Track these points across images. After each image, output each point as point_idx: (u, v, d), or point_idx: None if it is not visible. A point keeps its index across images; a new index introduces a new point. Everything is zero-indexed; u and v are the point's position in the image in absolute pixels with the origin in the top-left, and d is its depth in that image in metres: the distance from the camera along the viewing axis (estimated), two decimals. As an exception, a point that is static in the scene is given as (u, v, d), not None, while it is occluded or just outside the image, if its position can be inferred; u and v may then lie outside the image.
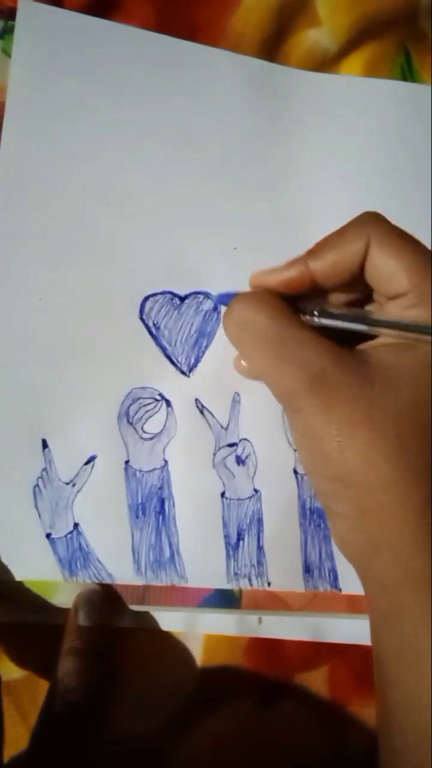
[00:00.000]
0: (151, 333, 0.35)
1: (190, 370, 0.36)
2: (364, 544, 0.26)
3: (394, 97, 0.38)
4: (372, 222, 0.28)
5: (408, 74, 0.39)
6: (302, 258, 0.29)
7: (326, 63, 0.38)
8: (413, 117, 0.38)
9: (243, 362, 0.32)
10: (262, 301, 0.28)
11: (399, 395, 0.25)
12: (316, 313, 0.28)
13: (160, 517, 0.35)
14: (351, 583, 0.36)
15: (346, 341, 0.28)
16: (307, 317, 0.28)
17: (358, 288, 0.29)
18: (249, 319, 0.27)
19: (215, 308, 0.36)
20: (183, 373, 0.35)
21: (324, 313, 0.28)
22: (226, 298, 0.31)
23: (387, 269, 0.27)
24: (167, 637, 0.36)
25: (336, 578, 0.36)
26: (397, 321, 0.26)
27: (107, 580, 0.35)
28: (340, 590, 0.36)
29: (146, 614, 0.36)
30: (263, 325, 0.27)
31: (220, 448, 0.35)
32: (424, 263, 0.26)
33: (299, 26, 0.38)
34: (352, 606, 0.36)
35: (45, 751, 0.31)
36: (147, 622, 0.36)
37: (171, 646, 0.36)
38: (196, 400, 0.35)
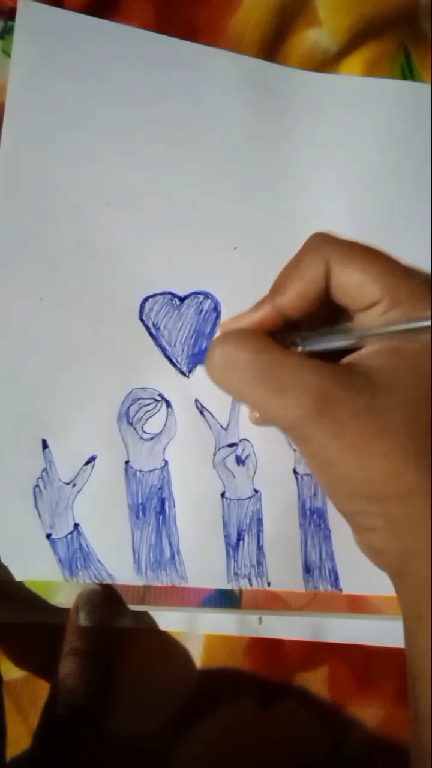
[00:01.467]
0: (150, 333, 0.35)
1: (190, 371, 0.36)
2: (398, 553, 0.26)
3: (394, 96, 0.38)
4: (325, 242, 0.28)
5: (408, 74, 0.39)
6: (267, 297, 0.28)
7: (326, 63, 0.38)
8: (413, 116, 0.37)
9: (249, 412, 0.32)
10: (242, 336, 0.27)
11: (403, 398, 0.25)
12: (298, 341, 0.27)
13: (161, 517, 0.35)
14: (351, 583, 0.36)
15: (330, 360, 0.27)
16: (291, 348, 0.28)
17: (327, 311, 0.29)
18: (232, 356, 0.27)
19: (215, 308, 0.36)
20: (183, 373, 0.35)
21: (307, 339, 0.27)
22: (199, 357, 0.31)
23: (353, 284, 0.27)
24: (167, 637, 0.36)
25: (336, 578, 0.36)
26: (386, 326, 0.26)
27: (107, 581, 0.35)
28: (340, 590, 0.36)
29: (146, 614, 0.36)
30: (249, 360, 0.26)
31: (220, 449, 0.35)
32: (389, 268, 0.26)
33: (299, 26, 0.38)
34: (353, 606, 0.36)
35: (47, 752, 0.31)
36: (147, 623, 0.36)
37: (171, 646, 0.36)
38: (196, 400, 0.35)
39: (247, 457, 0.35)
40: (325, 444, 0.25)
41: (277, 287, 0.29)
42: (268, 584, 0.35)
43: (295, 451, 0.36)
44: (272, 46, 0.38)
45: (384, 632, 0.36)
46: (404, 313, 0.26)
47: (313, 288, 0.27)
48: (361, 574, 0.36)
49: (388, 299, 0.26)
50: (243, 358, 0.26)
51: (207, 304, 0.36)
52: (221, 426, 0.35)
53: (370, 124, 0.38)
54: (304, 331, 0.28)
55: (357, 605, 0.36)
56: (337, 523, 0.36)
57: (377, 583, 0.35)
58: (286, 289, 0.28)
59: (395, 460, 0.25)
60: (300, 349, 0.27)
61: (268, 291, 0.29)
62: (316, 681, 0.37)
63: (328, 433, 0.25)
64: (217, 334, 0.30)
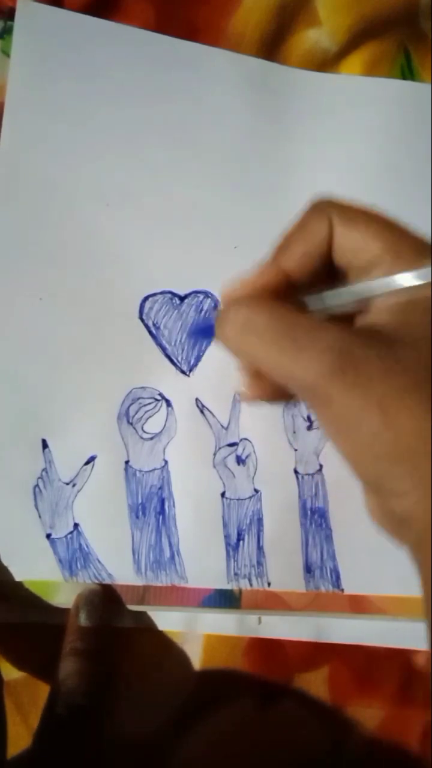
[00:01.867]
0: (150, 333, 0.35)
1: (190, 370, 0.35)
2: (427, 516, 0.26)
3: (394, 96, 0.38)
4: (330, 204, 0.28)
5: (408, 74, 0.39)
6: (271, 260, 0.28)
7: (326, 63, 0.38)
8: (413, 116, 0.37)
9: (247, 383, 0.31)
10: (256, 300, 0.27)
11: (424, 353, 0.25)
12: (306, 302, 0.27)
13: (160, 517, 0.35)
14: (353, 583, 0.36)
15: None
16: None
17: (327, 277, 0.29)
18: (249, 319, 0.27)
19: (215, 307, 0.36)
20: (183, 372, 0.35)
21: (314, 300, 0.27)
22: (203, 330, 0.32)
23: (356, 243, 0.27)
24: (167, 637, 0.36)
25: (338, 578, 0.36)
26: (392, 279, 0.26)
27: (107, 581, 0.35)
28: (342, 590, 0.36)
29: (146, 614, 0.36)
30: (267, 321, 0.26)
31: (220, 448, 0.35)
32: (389, 226, 0.27)
33: (299, 26, 0.38)
34: (355, 606, 0.36)
35: (47, 752, 0.31)
36: (147, 623, 0.36)
37: (171, 646, 0.36)
38: (197, 399, 0.35)
39: (247, 457, 0.35)
40: (348, 404, 0.24)
41: (281, 249, 0.28)
42: (269, 584, 0.35)
43: (296, 450, 0.36)
44: (272, 46, 0.38)
45: (386, 633, 0.36)
46: (408, 267, 0.26)
47: (317, 248, 0.27)
48: (364, 574, 0.36)
49: (390, 256, 0.26)
50: (260, 320, 0.26)
51: (207, 304, 0.36)
52: (222, 425, 0.35)
53: (370, 124, 0.38)
54: (311, 294, 0.28)
55: (359, 606, 0.36)
56: (339, 523, 0.36)
57: (379, 583, 0.35)
58: (290, 250, 0.28)
59: (423, 416, 0.24)
60: (313, 309, 0.27)
61: (271, 254, 0.29)
62: (316, 681, 0.37)
63: (351, 391, 0.24)
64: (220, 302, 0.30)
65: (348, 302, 0.27)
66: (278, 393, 0.30)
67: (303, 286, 0.29)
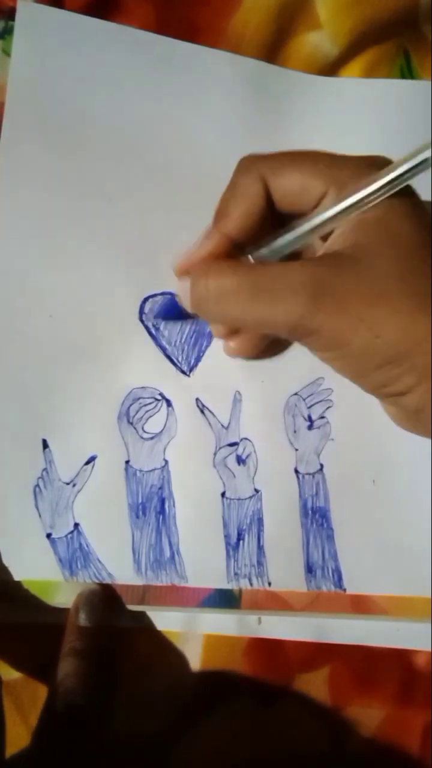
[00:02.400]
0: (150, 333, 0.35)
1: (191, 370, 0.36)
2: None
3: (393, 95, 0.38)
4: (255, 160, 0.28)
5: (408, 76, 0.39)
6: (212, 228, 0.29)
7: (326, 66, 0.38)
8: (413, 115, 0.38)
9: (233, 342, 0.32)
10: (218, 265, 0.28)
11: (386, 260, 0.26)
12: (261, 253, 0.28)
13: (161, 516, 0.35)
14: (356, 583, 0.36)
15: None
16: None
17: (271, 228, 0.29)
18: (220, 285, 0.27)
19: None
20: (183, 372, 0.35)
21: (267, 248, 0.28)
22: (167, 308, 0.33)
23: (296, 186, 0.27)
24: (167, 637, 0.36)
25: (340, 578, 0.35)
26: (340, 201, 0.27)
27: (107, 580, 0.35)
28: (344, 590, 0.36)
29: (146, 614, 0.36)
30: (238, 282, 0.27)
31: (220, 448, 0.35)
32: (323, 159, 0.27)
33: (300, 28, 0.38)
34: (357, 606, 0.36)
35: (46, 752, 0.31)
36: (147, 622, 0.36)
37: (171, 646, 0.36)
38: (197, 399, 0.35)
39: (247, 457, 0.35)
40: (334, 328, 0.25)
41: (219, 215, 0.29)
42: (269, 584, 0.35)
43: (296, 450, 0.36)
44: (272, 48, 0.38)
45: (387, 633, 0.36)
46: (353, 188, 0.26)
47: (254, 206, 0.28)
48: (366, 574, 0.35)
49: (333, 187, 0.27)
50: (230, 282, 0.27)
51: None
52: (222, 425, 0.35)
53: (370, 126, 0.38)
54: (262, 246, 0.29)
55: (361, 606, 0.36)
56: (340, 522, 0.36)
57: (382, 583, 0.35)
58: (228, 214, 0.29)
59: (404, 315, 0.25)
60: (269, 257, 0.28)
61: (211, 222, 0.30)
62: (316, 682, 0.37)
63: (333, 316, 0.25)
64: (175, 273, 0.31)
65: (300, 236, 0.28)
66: (260, 347, 0.31)
67: (248, 243, 0.29)
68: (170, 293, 0.36)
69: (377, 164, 0.27)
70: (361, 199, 0.26)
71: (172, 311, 0.34)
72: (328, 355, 0.28)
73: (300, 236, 0.28)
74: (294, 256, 0.29)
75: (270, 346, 0.31)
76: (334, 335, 0.26)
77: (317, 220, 0.27)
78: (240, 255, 0.29)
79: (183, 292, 0.30)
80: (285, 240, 0.28)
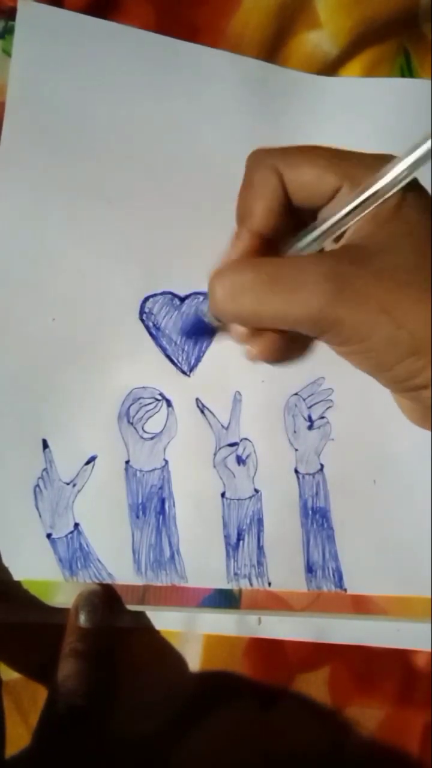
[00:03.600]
0: (150, 333, 0.35)
1: (191, 370, 0.36)
2: None
3: (393, 94, 0.38)
4: (267, 154, 0.28)
5: (407, 75, 0.39)
6: (240, 230, 0.29)
7: (327, 65, 0.38)
8: (413, 114, 0.38)
9: (254, 346, 0.31)
10: (236, 263, 0.28)
11: (406, 250, 0.26)
12: (292, 252, 0.28)
13: (161, 516, 0.35)
14: (356, 583, 0.36)
15: None
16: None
17: (295, 224, 0.29)
18: (236, 282, 0.27)
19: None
20: (183, 372, 0.35)
21: (291, 247, 0.28)
22: (197, 328, 0.33)
23: (308, 181, 0.27)
24: (167, 637, 0.36)
25: (341, 578, 0.35)
26: (356, 197, 0.26)
27: (107, 580, 0.35)
28: (345, 590, 0.36)
29: (146, 614, 0.36)
30: (253, 277, 0.26)
31: (220, 448, 0.35)
32: (336, 154, 0.27)
33: (300, 28, 0.38)
34: (358, 607, 0.36)
35: (46, 752, 0.31)
36: (147, 623, 0.36)
37: (171, 646, 0.36)
38: (197, 399, 0.35)
39: (247, 457, 0.35)
40: (356, 320, 0.25)
41: (243, 214, 0.29)
42: (269, 584, 0.35)
43: (296, 450, 0.36)
44: (272, 48, 0.38)
45: (387, 633, 0.36)
46: (367, 183, 0.26)
47: (275, 200, 0.28)
48: (366, 573, 0.36)
49: (347, 182, 0.27)
50: (246, 278, 0.26)
51: (207, 305, 0.36)
52: (222, 425, 0.35)
53: (370, 126, 0.38)
54: (287, 247, 0.28)
55: (362, 606, 0.36)
56: (341, 522, 0.36)
57: (382, 583, 0.35)
58: (251, 211, 0.28)
59: (426, 305, 0.25)
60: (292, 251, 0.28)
61: (236, 224, 0.29)
62: (316, 682, 0.37)
63: (355, 308, 0.25)
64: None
65: (322, 234, 0.27)
66: (282, 349, 0.30)
67: (281, 238, 0.29)
68: (170, 293, 0.36)
69: (386, 160, 0.27)
70: (381, 189, 0.26)
71: (200, 330, 0.34)
72: (349, 349, 0.27)
73: (326, 230, 0.27)
74: None
75: (292, 348, 0.31)
76: (356, 327, 0.25)
77: (339, 214, 0.27)
78: (275, 252, 0.29)
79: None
80: (311, 237, 0.28)
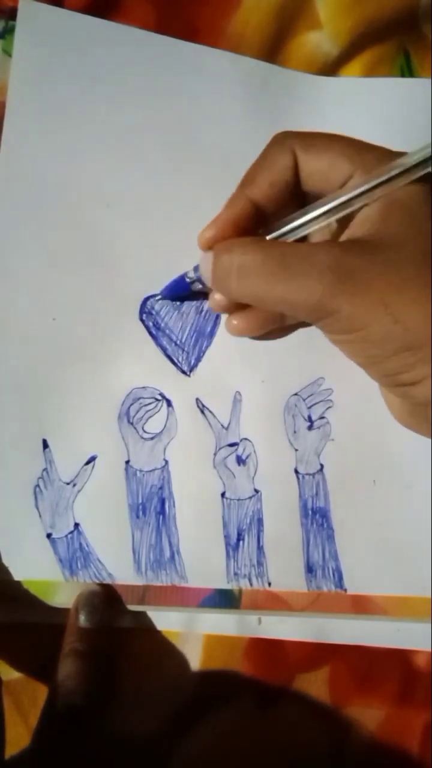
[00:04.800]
0: (151, 333, 0.35)
1: (191, 370, 0.36)
2: None
3: (394, 94, 0.38)
4: (288, 135, 0.29)
5: (408, 76, 0.39)
6: (238, 192, 0.29)
7: (327, 65, 0.38)
8: (413, 114, 0.38)
9: (237, 319, 0.31)
10: (242, 241, 0.28)
11: (412, 246, 0.26)
12: (285, 228, 0.28)
13: (161, 517, 0.35)
14: (356, 583, 0.36)
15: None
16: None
17: (296, 205, 0.29)
18: (242, 262, 0.27)
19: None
20: (184, 372, 0.35)
21: (295, 224, 0.28)
22: (175, 287, 0.33)
23: (323, 166, 0.28)
24: (167, 637, 0.36)
25: (341, 578, 0.35)
26: (366, 182, 0.27)
27: (107, 580, 0.35)
28: (345, 590, 0.36)
29: (146, 614, 0.36)
30: (261, 259, 0.27)
31: (220, 448, 0.35)
32: (352, 143, 0.28)
33: (300, 28, 0.38)
34: (358, 607, 0.36)
35: (46, 752, 0.31)
36: (147, 623, 0.36)
37: (171, 646, 0.36)
38: (197, 399, 0.35)
39: (247, 457, 0.35)
40: (354, 311, 0.25)
41: (247, 180, 0.29)
42: (269, 584, 0.35)
43: (296, 450, 0.36)
44: (273, 48, 0.38)
45: (387, 633, 0.36)
46: (378, 172, 0.27)
47: (282, 176, 0.28)
48: (366, 573, 0.35)
49: (359, 170, 0.27)
50: (253, 260, 0.27)
51: (207, 304, 0.36)
52: (222, 425, 0.35)
53: (370, 126, 0.38)
54: (282, 223, 0.29)
55: (362, 606, 0.36)
56: (341, 522, 0.36)
57: (382, 583, 0.35)
58: (256, 180, 0.29)
59: (426, 303, 0.25)
60: (291, 235, 0.28)
61: (237, 186, 0.30)
62: (317, 682, 0.37)
63: (354, 299, 0.25)
64: (202, 235, 0.30)
65: (322, 223, 0.28)
66: (265, 327, 0.31)
67: (269, 216, 0.29)
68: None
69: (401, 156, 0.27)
70: (386, 180, 0.26)
71: (180, 290, 0.34)
72: (344, 338, 0.27)
73: (321, 215, 0.28)
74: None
75: (275, 326, 0.31)
76: (354, 317, 0.25)
77: (340, 199, 0.27)
78: (260, 227, 0.29)
79: (205, 265, 0.30)
80: (306, 218, 0.28)
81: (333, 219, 0.28)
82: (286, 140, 0.29)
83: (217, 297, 0.31)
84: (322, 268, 0.25)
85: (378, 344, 0.26)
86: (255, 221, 0.29)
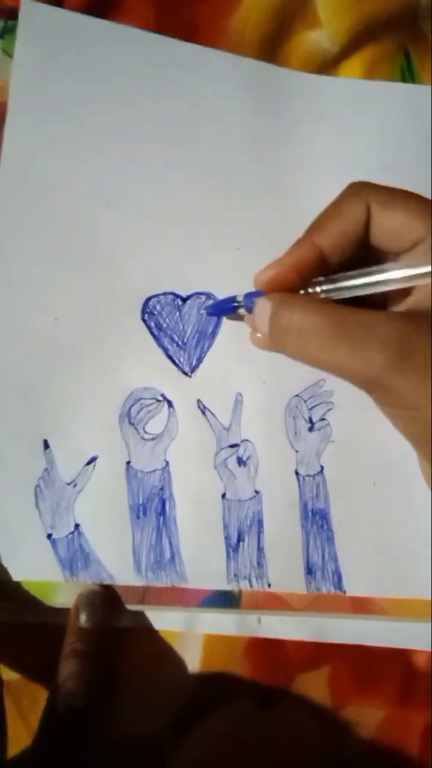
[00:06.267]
0: (152, 333, 0.35)
1: (192, 371, 0.35)
2: None
3: (394, 98, 0.38)
4: (366, 186, 0.28)
5: (408, 75, 0.39)
6: (306, 237, 0.28)
7: (326, 64, 0.38)
8: (413, 118, 0.38)
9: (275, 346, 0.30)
10: (302, 300, 0.27)
11: None
12: (343, 285, 0.27)
13: (161, 517, 0.35)
14: (355, 585, 0.36)
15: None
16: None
17: (363, 258, 0.29)
18: (304, 322, 0.26)
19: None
20: (185, 373, 0.35)
21: (351, 284, 0.27)
22: (219, 308, 0.32)
23: (396, 223, 0.27)
24: (167, 637, 0.36)
25: (340, 580, 0.36)
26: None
27: (108, 581, 0.35)
28: (344, 592, 0.36)
29: (146, 615, 0.36)
30: (323, 322, 0.26)
31: (221, 449, 0.35)
32: (430, 206, 0.27)
33: (299, 27, 0.38)
34: (357, 606, 0.36)
35: (47, 752, 0.31)
36: (147, 623, 0.36)
37: (171, 646, 0.36)
38: (198, 400, 0.35)
39: (248, 458, 0.35)
40: (409, 390, 0.25)
41: (316, 227, 0.28)
42: (269, 585, 0.35)
43: (297, 452, 0.36)
44: (272, 47, 0.38)
45: (387, 633, 0.36)
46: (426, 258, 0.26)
47: (353, 227, 0.27)
48: (366, 576, 0.36)
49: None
50: (314, 323, 0.26)
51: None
52: (223, 426, 0.35)
53: (370, 126, 0.38)
54: (339, 279, 0.28)
55: (361, 607, 0.36)
56: (340, 524, 0.36)
57: (382, 585, 0.35)
58: (326, 228, 0.28)
59: None
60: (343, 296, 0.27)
61: (305, 231, 0.28)
62: (316, 682, 0.37)
63: (411, 379, 0.25)
64: (255, 285, 0.30)
65: (392, 286, 0.27)
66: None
67: (333, 267, 0.28)
68: (171, 293, 0.36)
69: None
70: None
71: (226, 312, 0.33)
72: (396, 412, 0.27)
73: (388, 280, 0.27)
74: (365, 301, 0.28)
75: None
76: (407, 397, 0.25)
77: (410, 271, 0.26)
78: (319, 275, 0.28)
79: (261, 314, 0.29)
80: (370, 279, 0.27)
81: (398, 287, 0.27)
82: (362, 191, 0.28)
83: (260, 336, 0.30)
84: (384, 341, 0.25)
85: (428, 425, 0.25)
86: (317, 269, 0.28)
